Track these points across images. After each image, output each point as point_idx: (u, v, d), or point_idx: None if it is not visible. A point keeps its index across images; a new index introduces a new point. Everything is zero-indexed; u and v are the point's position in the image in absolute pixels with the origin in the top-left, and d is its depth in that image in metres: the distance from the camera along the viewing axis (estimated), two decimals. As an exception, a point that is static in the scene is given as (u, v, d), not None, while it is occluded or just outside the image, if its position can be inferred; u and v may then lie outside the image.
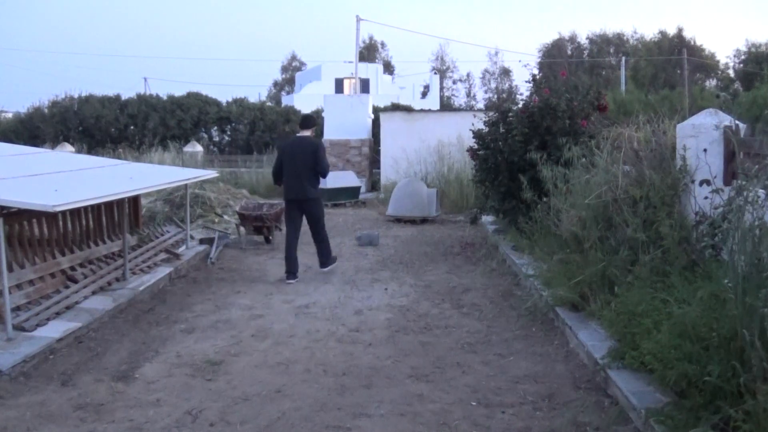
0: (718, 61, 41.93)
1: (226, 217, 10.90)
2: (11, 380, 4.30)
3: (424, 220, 11.52)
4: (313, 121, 7.88)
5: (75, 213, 6.72)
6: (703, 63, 40.51)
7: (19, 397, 4.09)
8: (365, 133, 16.94)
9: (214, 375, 4.44)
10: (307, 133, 7.55)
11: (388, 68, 52.67)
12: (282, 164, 7.41)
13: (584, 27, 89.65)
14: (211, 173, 9.07)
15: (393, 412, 3.84)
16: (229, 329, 5.49)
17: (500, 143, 8.37)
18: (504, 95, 39.06)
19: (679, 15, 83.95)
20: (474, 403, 3.94)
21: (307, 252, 8.97)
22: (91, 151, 17.84)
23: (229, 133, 21.61)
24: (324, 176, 7.62)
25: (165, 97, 21.48)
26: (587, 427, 3.57)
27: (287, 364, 4.65)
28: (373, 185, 16.87)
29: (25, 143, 15.96)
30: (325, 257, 7.70)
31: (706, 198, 4.52)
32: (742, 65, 38.07)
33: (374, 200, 14.49)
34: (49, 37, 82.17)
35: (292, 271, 7.28)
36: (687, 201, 4.97)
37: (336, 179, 13.66)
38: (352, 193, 14.12)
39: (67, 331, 5.12)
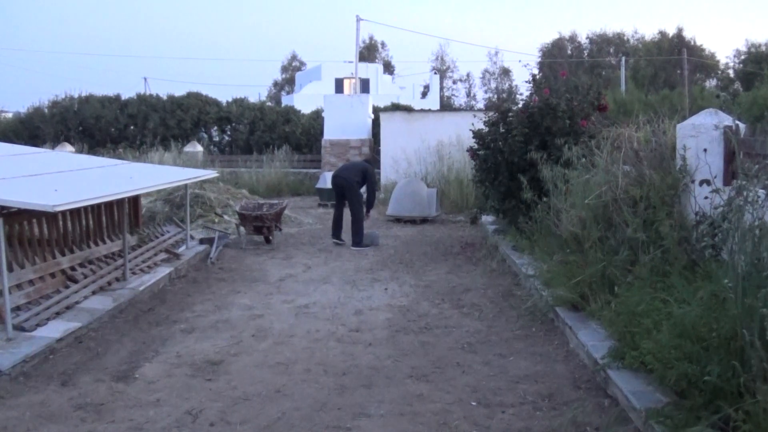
0: (718, 61, 41.96)
1: (226, 217, 10.89)
2: (11, 380, 4.30)
3: (424, 220, 11.52)
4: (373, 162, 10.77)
5: (75, 213, 6.72)
6: (703, 63, 40.52)
7: (19, 397, 4.09)
8: (365, 133, 16.93)
9: (214, 375, 4.44)
10: (366, 163, 10.05)
11: (388, 68, 52.64)
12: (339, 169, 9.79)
13: (584, 27, 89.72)
14: (211, 173, 9.07)
15: (393, 412, 3.84)
16: (229, 329, 5.49)
17: (500, 143, 8.36)
18: (504, 95, 39.02)
19: (679, 15, 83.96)
20: (474, 403, 3.94)
21: (308, 252, 8.98)
22: (91, 151, 17.77)
23: (229, 133, 21.55)
24: (370, 190, 9.50)
25: (165, 97, 21.42)
26: (587, 427, 3.57)
27: (287, 364, 4.65)
28: (373, 185, 16.85)
29: (25, 143, 15.93)
30: (357, 237, 9.19)
31: (706, 198, 4.52)
32: (742, 65, 38.06)
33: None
34: (49, 37, 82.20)
35: (335, 235, 9.49)
36: (687, 201, 4.97)
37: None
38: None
39: (67, 331, 5.12)
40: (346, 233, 9.44)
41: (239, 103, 21.48)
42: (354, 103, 17.36)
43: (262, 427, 3.67)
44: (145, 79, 43.80)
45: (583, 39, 48.85)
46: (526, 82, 8.87)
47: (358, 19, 29.02)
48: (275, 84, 57.71)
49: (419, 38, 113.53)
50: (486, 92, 54.43)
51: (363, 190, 9.53)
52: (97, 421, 3.75)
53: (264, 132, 20.36)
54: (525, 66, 12.02)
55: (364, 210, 9.40)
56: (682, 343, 3.40)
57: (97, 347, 5.05)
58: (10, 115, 23.15)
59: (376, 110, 17.66)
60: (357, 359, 4.73)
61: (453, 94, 56.07)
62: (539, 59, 44.52)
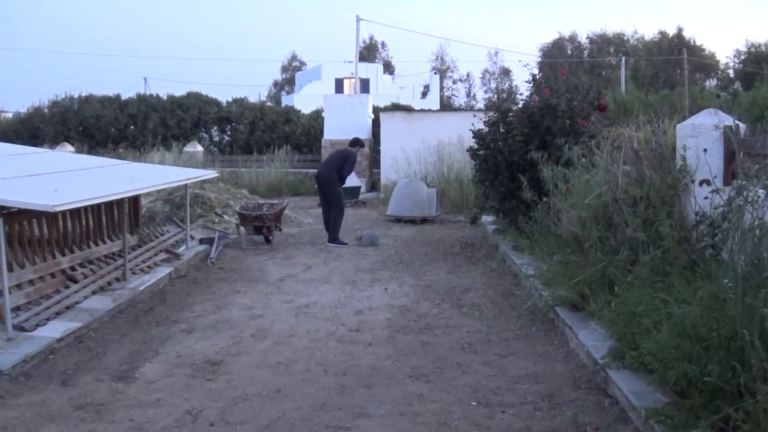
0: (718, 61, 41.96)
1: (226, 217, 10.89)
2: (11, 380, 4.30)
3: (424, 220, 11.52)
4: (360, 142, 10.18)
5: (75, 213, 6.72)
6: (703, 63, 40.51)
7: (19, 397, 4.09)
8: (365, 133, 16.92)
9: (214, 375, 4.45)
10: (351, 148, 9.99)
11: (388, 68, 52.68)
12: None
13: (584, 27, 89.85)
14: (211, 173, 9.07)
15: (393, 412, 3.84)
16: (229, 329, 5.49)
17: (500, 143, 8.36)
18: (504, 95, 39.03)
19: (679, 15, 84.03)
20: (474, 403, 3.94)
21: (308, 252, 8.98)
22: (91, 151, 17.75)
23: (229, 133, 21.57)
24: (342, 175, 9.65)
25: (165, 97, 21.43)
26: (587, 427, 3.57)
27: (287, 364, 4.65)
28: (373, 185, 16.86)
29: (25, 143, 15.91)
30: (333, 233, 9.39)
31: (706, 198, 4.52)
32: (742, 65, 38.06)
33: (374, 200, 14.48)
34: (49, 37, 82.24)
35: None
36: (687, 201, 4.97)
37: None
38: (352, 193, 14.12)
39: (67, 331, 5.12)
40: (345, 233, 9.44)
41: (239, 103, 21.49)
42: (354, 103, 17.38)
43: (262, 427, 3.67)
44: (145, 79, 43.87)
45: (583, 39, 48.92)
46: (526, 82, 8.89)
47: (358, 19, 29.05)
48: (275, 84, 57.79)
49: (419, 38, 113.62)
50: (486, 92, 54.48)
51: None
52: (97, 421, 3.75)
53: (264, 132, 20.36)
54: (525, 66, 12.03)
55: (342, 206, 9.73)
56: (682, 343, 3.40)
57: (97, 347, 5.05)
58: (10, 115, 23.15)
59: (376, 110, 17.67)
60: (357, 359, 4.73)
61: (453, 94, 56.10)
62: (539, 59, 44.56)
